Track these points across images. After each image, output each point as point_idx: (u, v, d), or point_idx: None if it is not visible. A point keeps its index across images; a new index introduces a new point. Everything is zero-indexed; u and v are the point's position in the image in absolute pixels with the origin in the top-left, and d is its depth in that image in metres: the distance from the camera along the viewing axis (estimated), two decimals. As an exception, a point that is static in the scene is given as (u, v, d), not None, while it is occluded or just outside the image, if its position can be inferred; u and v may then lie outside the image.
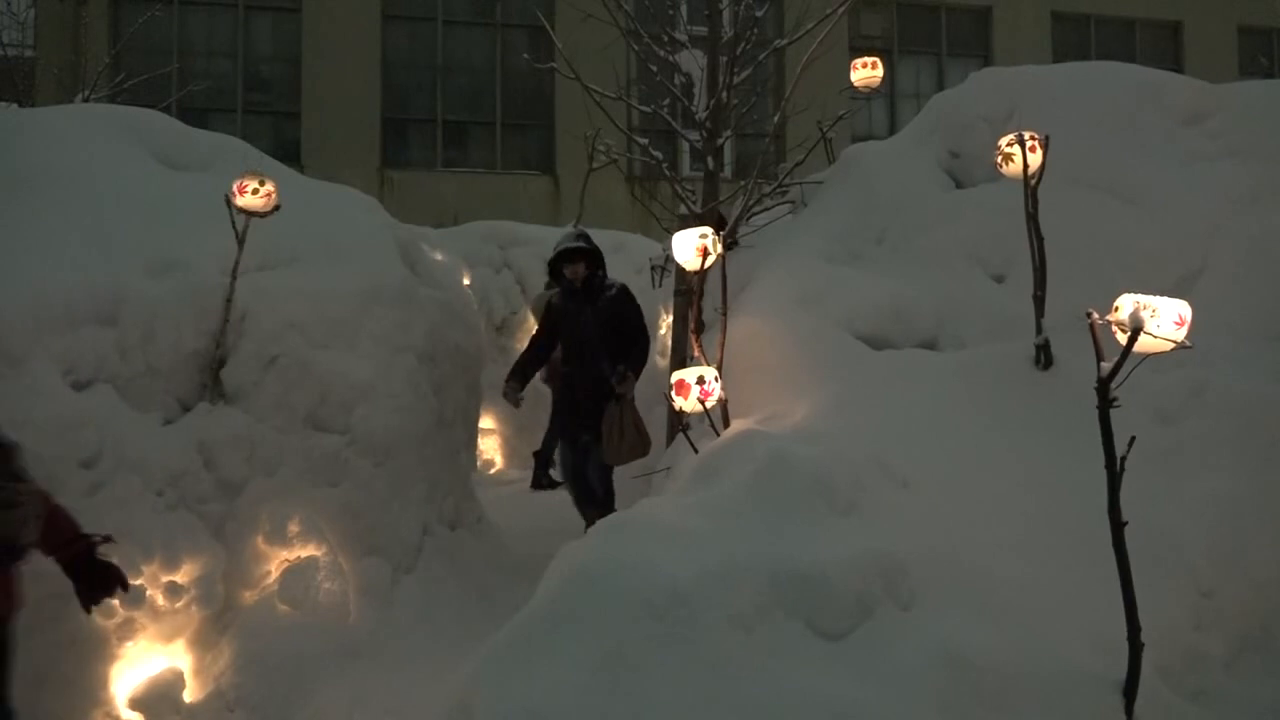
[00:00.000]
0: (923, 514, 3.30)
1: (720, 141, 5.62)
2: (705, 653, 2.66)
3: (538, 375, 6.09)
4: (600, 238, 10.39)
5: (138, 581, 3.91)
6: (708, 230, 4.16)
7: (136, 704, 3.84)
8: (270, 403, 4.39)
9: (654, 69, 5.87)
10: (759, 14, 5.87)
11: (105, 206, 4.57)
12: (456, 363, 5.69)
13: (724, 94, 5.55)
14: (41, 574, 3.77)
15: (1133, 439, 2.67)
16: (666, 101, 5.93)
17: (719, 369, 4.01)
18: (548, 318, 5.71)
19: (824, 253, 5.08)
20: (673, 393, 3.89)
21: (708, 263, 4.10)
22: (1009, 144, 4.07)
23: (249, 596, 4.23)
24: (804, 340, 4.40)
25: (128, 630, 3.91)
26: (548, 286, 7.16)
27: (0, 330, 3.91)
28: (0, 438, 3.03)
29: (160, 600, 3.95)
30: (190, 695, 3.95)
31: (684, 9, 6.50)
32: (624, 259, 10.09)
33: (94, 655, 3.85)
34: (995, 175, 4.47)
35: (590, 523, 5.14)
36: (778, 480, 3.22)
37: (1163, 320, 2.59)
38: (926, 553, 3.06)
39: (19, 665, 3.72)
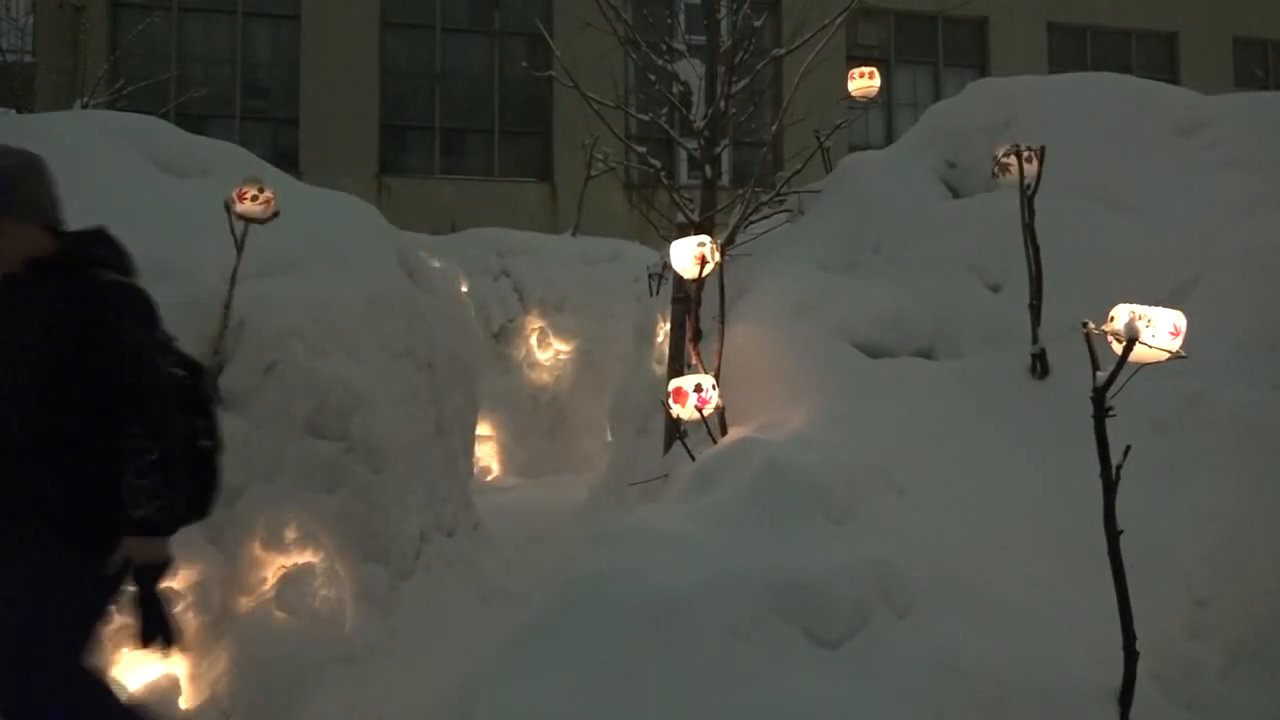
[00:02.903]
0: (919, 522, 3.31)
1: (718, 150, 5.63)
2: (703, 660, 2.66)
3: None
4: (598, 245, 10.50)
5: (134, 587, 3.91)
6: (705, 239, 4.17)
7: (132, 710, 3.84)
8: (268, 409, 4.39)
9: (652, 78, 5.89)
10: (757, 24, 5.89)
11: (103, 212, 4.56)
12: (454, 370, 5.70)
13: (722, 103, 5.57)
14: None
15: (1128, 448, 2.69)
16: (664, 110, 5.95)
17: (716, 377, 4.03)
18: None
19: (821, 261, 5.10)
20: (670, 400, 3.91)
21: (705, 271, 4.12)
22: (1005, 154, 4.09)
23: (246, 603, 4.23)
24: (801, 348, 4.41)
25: (123, 635, 3.90)
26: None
27: (-1, 336, 3.91)
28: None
29: (157, 606, 3.95)
30: (186, 702, 3.95)
31: (682, 18, 6.52)
32: (621, 267, 10.13)
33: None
34: (992, 185, 4.50)
35: None
36: (775, 488, 3.23)
37: (1158, 330, 2.61)
38: (923, 561, 3.07)
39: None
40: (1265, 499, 3.49)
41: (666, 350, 6.01)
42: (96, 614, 2.73)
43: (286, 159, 12.45)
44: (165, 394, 2.70)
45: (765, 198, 5.68)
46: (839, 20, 5.71)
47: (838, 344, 4.46)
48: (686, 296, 5.01)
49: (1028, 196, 4.07)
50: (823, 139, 5.82)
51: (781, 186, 5.76)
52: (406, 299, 5.21)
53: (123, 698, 3.07)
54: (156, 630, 2.73)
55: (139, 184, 4.88)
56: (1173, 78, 15.57)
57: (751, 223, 5.59)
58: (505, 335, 9.77)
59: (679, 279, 5.09)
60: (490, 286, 9.81)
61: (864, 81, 6.11)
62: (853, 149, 7.05)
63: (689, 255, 4.11)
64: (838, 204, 5.52)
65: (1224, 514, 3.44)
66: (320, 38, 13.82)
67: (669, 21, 6.29)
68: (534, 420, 9.67)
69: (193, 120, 11.32)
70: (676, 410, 3.89)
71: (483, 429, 8.76)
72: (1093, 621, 2.89)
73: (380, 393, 4.76)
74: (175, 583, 3.98)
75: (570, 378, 9.81)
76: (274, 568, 4.31)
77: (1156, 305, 2.65)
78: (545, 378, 9.79)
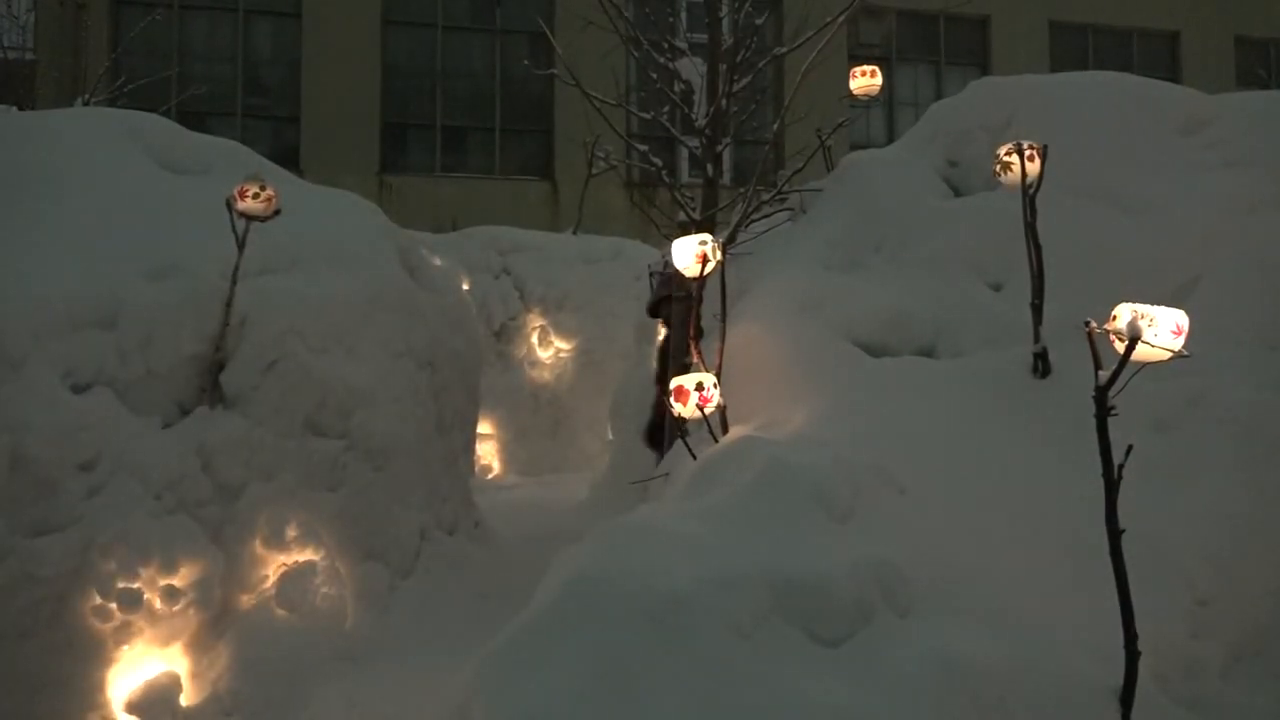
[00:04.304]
0: (921, 521, 3.31)
1: (719, 148, 5.63)
2: (704, 659, 2.66)
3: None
4: (599, 243, 10.49)
5: (135, 585, 3.91)
6: (707, 237, 4.17)
7: (133, 708, 3.84)
8: (269, 407, 4.40)
9: (654, 76, 5.89)
10: (759, 22, 5.89)
11: (105, 210, 4.58)
12: (455, 368, 5.70)
13: (723, 101, 5.57)
14: (38, 578, 3.78)
15: (1130, 447, 2.68)
16: (666, 108, 5.95)
17: (717, 375, 4.02)
18: None
19: (823, 260, 5.09)
20: (672, 399, 3.90)
21: (707, 270, 4.11)
22: (1007, 153, 4.09)
23: (247, 600, 4.23)
24: (802, 347, 4.41)
25: (125, 633, 3.91)
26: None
27: None
28: None
29: (158, 604, 3.95)
30: (187, 699, 3.95)
31: (684, 16, 6.52)
32: (622, 265, 10.12)
33: (91, 658, 3.85)
34: (993, 184, 4.49)
35: None
36: (776, 487, 3.22)
37: (1160, 329, 2.61)
38: (924, 560, 3.07)
39: (14, 668, 3.73)
40: (1267, 498, 3.49)
41: (667, 349, 6.01)
42: None
43: (287, 157, 12.41)
44: None
45: (766, 196, 5.68)
46: (841, 19, 5.70)
47: (839, 343, 4.46)
48: (688, 295, 5.01)
49: (1030, 195, 4.07)
50: (824, 137, 5.81)
51: (783, 185, 5.75)
52: (407, 297, 5.22)
53: None
54: None
55: (140, 182, 4.88)
56: (1174, 77, 15.54)
57: (753, 221, 5.59)
58: (506, 333, 9.76)
59: (680, 277, 5.09)
60: (491, 285, 9.80)
61: (866, 80, 6.11)
62: (854, 148, 7.04)
63: (690, 254, 4.10)
64: (839, 203, 5.52)
65: (1226, 513, 3.44)
66: (322, 35, 13.80)
67: (670, 20, 6.30)
68: (535, 419, 9.66)
69: (194, 118, 11.29)
70: (678, 409, 3.89)
71: (483, 427, 8.76)
72: (1094, 621, 2.89)
73: (381, 391, 4.76)
74: (176, 580, 3.99)
75: (571, 376, 9.80)
76: (275, 565, 4.32)
77: (1159, 304, 2.65)
78: (546, 376, 9.78)
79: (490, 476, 9.23)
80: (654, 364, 6.39)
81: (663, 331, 6.17)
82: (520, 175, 14.50)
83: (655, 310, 6.32)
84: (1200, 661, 3.10)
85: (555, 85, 13.18)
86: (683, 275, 5.53)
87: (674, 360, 5.48)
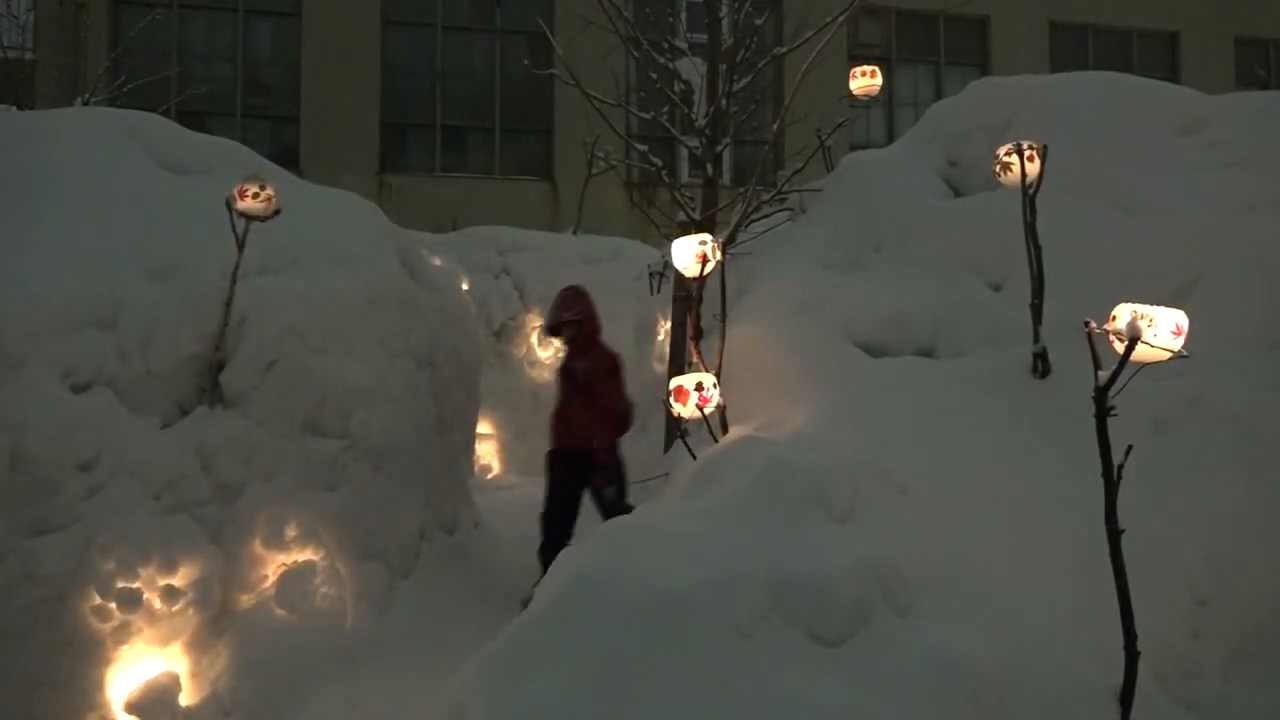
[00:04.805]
0: (920, 521, 3.31)
1: (719, 149, 5.64)
2: (703, 659, 2.66)
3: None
4: (599, 243, 10.49)
5: (135, 585, 3.91)
6: (707, 237, 4.17)
7: (132, 707, 3.84)
8: (269, 407, 4.39)
9: (654, 76, 5.89)
10: (759, 22, 5.89)
11: (104, 209, 4.58)
12: (455, 368, 5.70)
13: (723, 101, 5.57)
14: (38, 577, 3.78)
15: (1129, 448, 2.69)
16: (666, 108, 5.95)
17: (717, 375, 4.02)
18: None
19: (822, 260, 5.10)
20: (671, 399, 3.90)
21: (707, 270, 4.11)
22: (1007, 153, 4.09)
23: (246, 600, 4.23)
24: (802, 347, 4.41)
25: (124, 633, 3.90)
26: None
27: (-1, 333, 3.92)
28: None
29: (157, 603, 3.95)
30: (186, 699, 3.95)
31: (684, 16, 6.52)
32: (622, 265, 10.12)
33: (90, 658, 3.85)
34: (993, 184, 4.49)
35: None
36: (776, 487, 3.22)
37: (1160, 329, 2.61)
38: (924, 560, 3.07)
39: (14, 667, 3.73)
40: (1267, 498, 3.49)
41: (667, 349, 6.01)
42: None
43: (287, 157, 12.40)
44: None
45: (766, 196, 5.68)
46: (840, 19, 5.71)
47: (839, 343, 4.46)
48: (687, 295, 5.01)
49: (1030, 195, 4.07)
50: (824, 137, 5.81)
51: (783, 185, 5.76)
52: (407, 297, 5.21)
53: None
54: None
55: (140, 181, 4.88)
56: (1174, 77, 15.54)
57: (753, 221, 5.59)
58: (506, 333, 9.75)
59: (680, 277, 5.09)
60: (491, 284, 9.79)
61: (866, 80, 6.11)
62: (854, 148, 7.04)
63: (690, 254, 4.10)
64: (839, 203, 5.52)
65: (1225, 513, 3.44)
66: (321, 35, 13.80)
67: (670, 20, 6.30)
68: (535, 418, 9.63)
69: (193, 118, 11.30)
70: (677, 409, 3.89)
71: (483, 427, 8.75)
72: (1094, 621, 2.89)
73: (380, 390, 4.76)
74: (176, 580, 3.99)
75: (571, 376, 9.79)
76: (274, 565, 4.31)
77: (1158, 304, 2.65)
78: (546, 376, 9.77)
79: (490, 476, 9.22)
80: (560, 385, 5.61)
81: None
82: (520, 175, 14.49)
83: (555, 330, 5.54)
84: (1200, 661, 3.10)
85: (555, 85, 13.17)
86: (580, 296, 5.31)
87: (673, 361, 5.48)
